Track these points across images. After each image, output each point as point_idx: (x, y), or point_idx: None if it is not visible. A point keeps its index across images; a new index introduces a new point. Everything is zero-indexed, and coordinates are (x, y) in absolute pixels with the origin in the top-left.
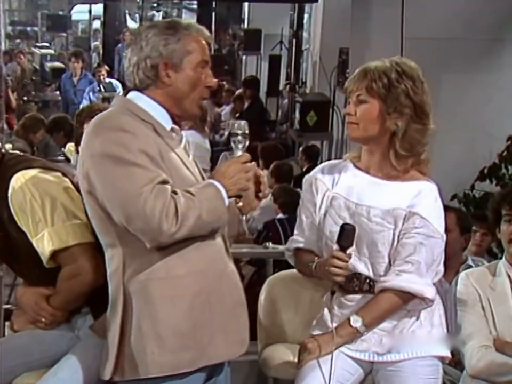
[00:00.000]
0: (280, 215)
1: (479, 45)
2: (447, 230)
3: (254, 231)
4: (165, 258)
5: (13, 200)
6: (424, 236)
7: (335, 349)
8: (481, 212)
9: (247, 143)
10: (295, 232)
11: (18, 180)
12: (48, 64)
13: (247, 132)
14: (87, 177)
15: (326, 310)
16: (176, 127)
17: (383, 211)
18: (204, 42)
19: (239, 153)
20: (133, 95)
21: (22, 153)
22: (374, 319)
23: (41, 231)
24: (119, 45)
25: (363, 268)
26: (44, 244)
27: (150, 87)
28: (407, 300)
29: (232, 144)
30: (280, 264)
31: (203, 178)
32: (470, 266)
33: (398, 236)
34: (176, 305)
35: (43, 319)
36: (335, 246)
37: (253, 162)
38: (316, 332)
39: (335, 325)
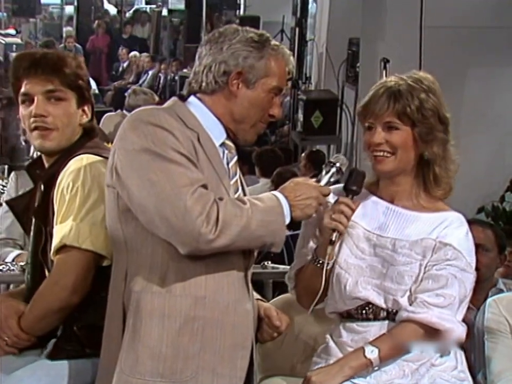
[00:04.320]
0: None
1: (509, 35)
2: (485, 249)
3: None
4: (167, 274)
5: (63, 179)
6: (457, 268)
7: (343, 381)
8: (509, 227)
9: (335, 179)
10: (297, 255)
11: (79, 162)
12: (14, 55)
13: (343, 170)
14: (114, 170)
15: (330, 339)
16: (230, 143)
17: (410, 242)
18: (286, 69)
19: (323, 182)
20: (190, 100)
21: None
22: (392, 352)
23: (68, 221)
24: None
25: (381, 302)
26: (62, 233)
27: (215, 93)
28: (433, 337)
29: (323, 171)
30: (281, 286)
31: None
32: (501, 291)
33: (425, 268)
34: (164, 326)
35: (6, 338)
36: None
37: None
38: (320, 363)
39: (341, 354)
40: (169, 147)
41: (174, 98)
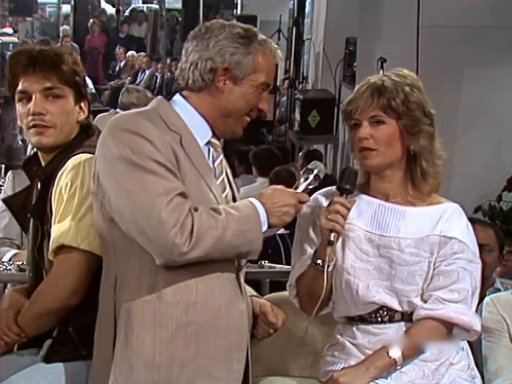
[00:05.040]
0: (282, 230)
1: (507, 34)
2: (488, 249)
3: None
4: (158, 281)
5: (62, 178)
6: (465, 261)
7: (369, 382)
8: (507, 227)
9: (313, 186)
10: (294, 265)
11: (78, 161)
12: (10, 53)
13: (321, 176)
14: (96, 178)
15: (344, 340)
16: (215, 141)
17: (415, 240)
18: (274, 63)
19: (301, 189)
20: (175, 99)
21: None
22: (414, 350)
23: (66, 220)
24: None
25: (396, 305)
26: (60, 233)
27: (202, 91)
28: (451, 332)
29: (301, 178)
30: (278, 285)
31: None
32: (498, 290)
33: (434, 264)
34: (156, 334)
35: None
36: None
37: None
38: (339, 364)
39: (361, 355)
40: (146, 156)
41: (159, 98)
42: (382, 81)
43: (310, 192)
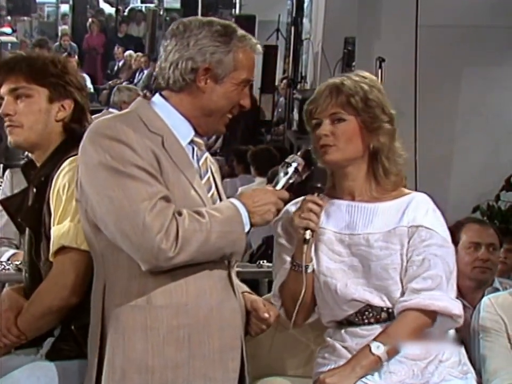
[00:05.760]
0: None
1: (506, 34)
2: (494, 248)
3: (247, 246)
4: (147, 285)
5: (59, 180)
6: (436, 246)
7: (356, 382)
8: (504, 226)
9: (293, 181)
10: (276, 276)
11: (74, 162)
12: (9, 54)
13: (300, 169)
14: (79, 185)
15: (334, 342)
16: (199, 140)
17: (383, 234)
18: (254, 59)
19: (280, 185)
20: (155, 99)
21: None
22: (398, 345)
23: (65, 222)
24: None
25: (378, 301)
26: (60, 234)
27: (182, 91)
28: (433, 319)
29: (280, 173)
30: None
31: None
32: (497, 290)
33: (406, 255)
34: (148, 338)
35: None
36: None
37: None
38: (329, 365)
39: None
40: (127, 161)
41: (138, 99)
42: (341, 81)
43: (290, 186)
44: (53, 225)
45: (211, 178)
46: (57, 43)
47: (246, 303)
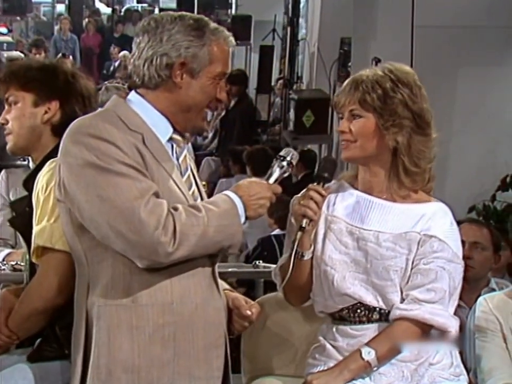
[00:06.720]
0: (277, 231)
1: (502, 34)
2: (481, 247)
3: (243, 247)
4: (132, 284)
5: (39, 182)
6: (445, 260)
7: None
8: (500, 226)
9: (286, 174)
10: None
11: (53, 163)
12: (5, 54)
13: (293, 163)
14: (62, 186)
15: (325, 342)
16: (178, 137)
17: (393, 235)
18: (228, 52)
19: (273, 179)
20: (131, 97)
21: None
22: (389, 352)
23: (43, 222)
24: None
25: (372, 299)
26: (36, 234)
27: (159, 87)
28: (427, 333)
29: (275, 165)
30: (272, 286)
31: (202, 199)
32: (493, 290)
33: (412, 262)
34: (134, 338)
35: None
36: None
37: None
38: (319, 366)
39: (341, 357)
40: (114, 159)
41: (114, 97)
42: (362, 76)
43: (282, 180)
44: (35, 225)
45: (191, 176)
46: (57, 26)
47: (228, 301)
